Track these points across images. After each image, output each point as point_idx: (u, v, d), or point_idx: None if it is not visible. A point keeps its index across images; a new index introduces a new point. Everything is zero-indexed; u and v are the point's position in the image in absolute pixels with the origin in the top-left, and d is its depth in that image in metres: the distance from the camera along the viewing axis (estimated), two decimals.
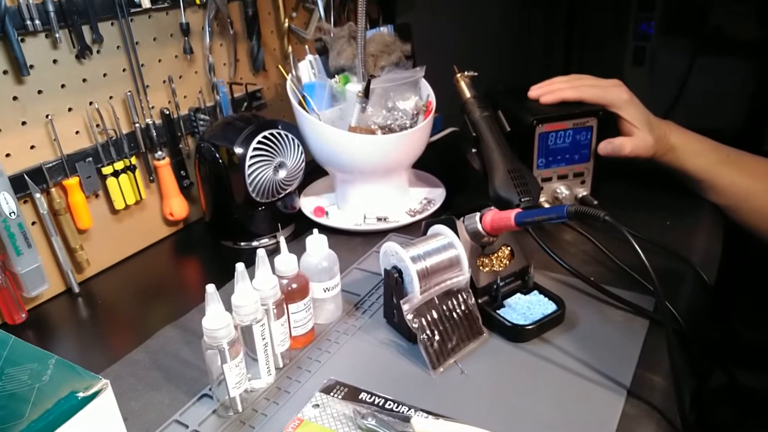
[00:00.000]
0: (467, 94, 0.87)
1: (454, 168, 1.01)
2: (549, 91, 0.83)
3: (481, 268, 0.65)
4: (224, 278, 0.69)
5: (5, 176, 0.68)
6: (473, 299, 0.63)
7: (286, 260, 0.61)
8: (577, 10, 1.84)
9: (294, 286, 0.61)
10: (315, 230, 0.66)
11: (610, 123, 0.83)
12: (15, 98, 0.71)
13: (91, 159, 0.79)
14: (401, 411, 0.54)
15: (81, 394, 0.31)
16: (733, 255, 0.89)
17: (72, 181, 0.77)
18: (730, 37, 1.61)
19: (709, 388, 0.92)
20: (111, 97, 0.81)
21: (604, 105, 0.82)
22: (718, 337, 1.02)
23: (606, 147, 0.81)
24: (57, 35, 0.72)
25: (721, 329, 1.05)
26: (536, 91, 0.85)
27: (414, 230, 0.85)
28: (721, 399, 0.92)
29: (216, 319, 0.51)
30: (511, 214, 0.60)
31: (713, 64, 1.62)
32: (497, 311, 0.64)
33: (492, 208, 0.64)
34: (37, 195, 0.73)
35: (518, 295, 0.67)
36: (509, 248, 0.67)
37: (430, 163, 1.01)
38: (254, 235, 0.87)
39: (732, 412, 0.92)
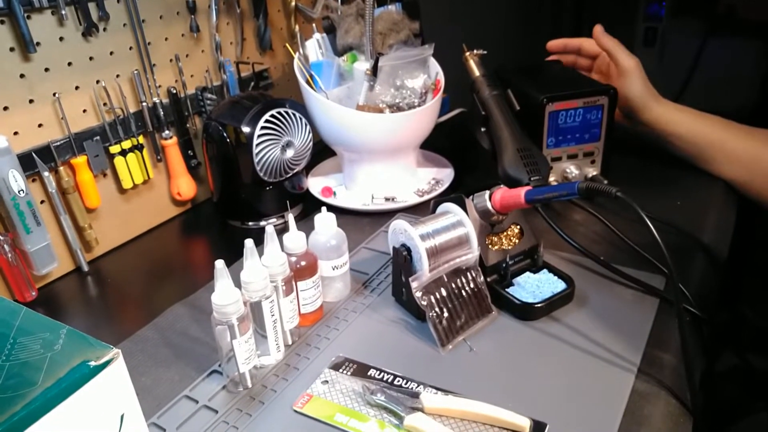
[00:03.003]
0: (476, 72, 0.86)
1: (462, 148, 1.00)
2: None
3: (490, 246, 0.65)
4: (232, 258, 0.69)
5: (13, 154, 0.68)
6: (482, 277, 0.63)
7: (295, 238, 0.61)
8: None
9: (303, 263, 0.61)
10: (323, 208, 0.66)
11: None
12: (22, 76, 0.71)
13: (98, 138, 0.79)
14: (410, 387, 0.54)
15: (93, 363, 0.32)
16: (745, 237, 0.89)
17: (80, 160, 0.77)
18: (743, 18, 1.59)
19: (718, 368, 0.92)
20: (118, 76, 0.80)
21: (579, 48, 0.93)
22: (727, 318, 1.02)
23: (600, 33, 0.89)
24: (63, 12, 0.72)
25: (730, 311, 1.05)
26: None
27: (422, 210, 0.85)
28: (730, 379, 0.92)
29: (225, 294, 0.51)
30: (521, 192, 0.59)
31: (725, 45, 1.60)
32: (506, 289, 0.64)
33: (501, 186, 0.63)
34: (46, 173, 0.73)
35: (527, 273, 0.67)
36: (518, 227, 0.67)
37: (439, 144, 1.00)
38: (262, 215, 0.87)
39: (740, 393, 0.92)
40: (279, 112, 0.81)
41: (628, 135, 0.88)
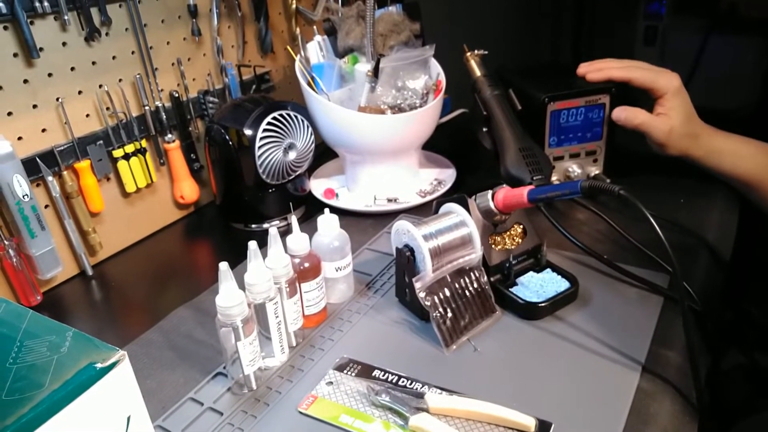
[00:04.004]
0: (477, 72, 0.86)
1: (464, 149, 1.00)
2: (597, 69, 0.79)
3: (493, 246, 0.65)
4: (236, 260, 0.69)
5: (17, 159, 0.69)
6: (485, 277, 0.63)
7: (298, 239, 0.61)
8: None
9: (306, 265, 0.61)
10: (326, 210, 0.66)
11: (623, 102, 0.82)
12: (26, 81, 0.71)
13: (101, 142, 0.79)
14: (415, 388, 0.54)
15: (99, 365, 0.32)
16: (749, 235, 0.88)
17: (83, 164, 0.77)
18: (745, 16, 1.58)
19: (723, 366, 0.91)
20: (120, 80, 0.81)
21: (651, 89, 0.77)
22: (732, 316, 1.01)
23: (620, 114, 0.78)
24: (66, 17, 0.72)
25: (734, 309, 1.05)
26: (584, 68, 0.80)
27: (424, 211, 0.85)
28: (735, 377, 0.92)
29: (229, 296, 0.52)
30: (523, 191, 0.60)
31: (727, 43, 1.59)
32: (510, 289, 0.64)
33: (504, 185, 0.63)
34: (50, 178, 0.74)
35: (531, 273, 0.67)
36: (521, 226, 0.67)
37: (441, 145, 1.00)
38: (265, 217, 0.87)
39: (746, 391, 0.91)
40: (281, 115, 0.81)
41: (631, 134, 0.88)
